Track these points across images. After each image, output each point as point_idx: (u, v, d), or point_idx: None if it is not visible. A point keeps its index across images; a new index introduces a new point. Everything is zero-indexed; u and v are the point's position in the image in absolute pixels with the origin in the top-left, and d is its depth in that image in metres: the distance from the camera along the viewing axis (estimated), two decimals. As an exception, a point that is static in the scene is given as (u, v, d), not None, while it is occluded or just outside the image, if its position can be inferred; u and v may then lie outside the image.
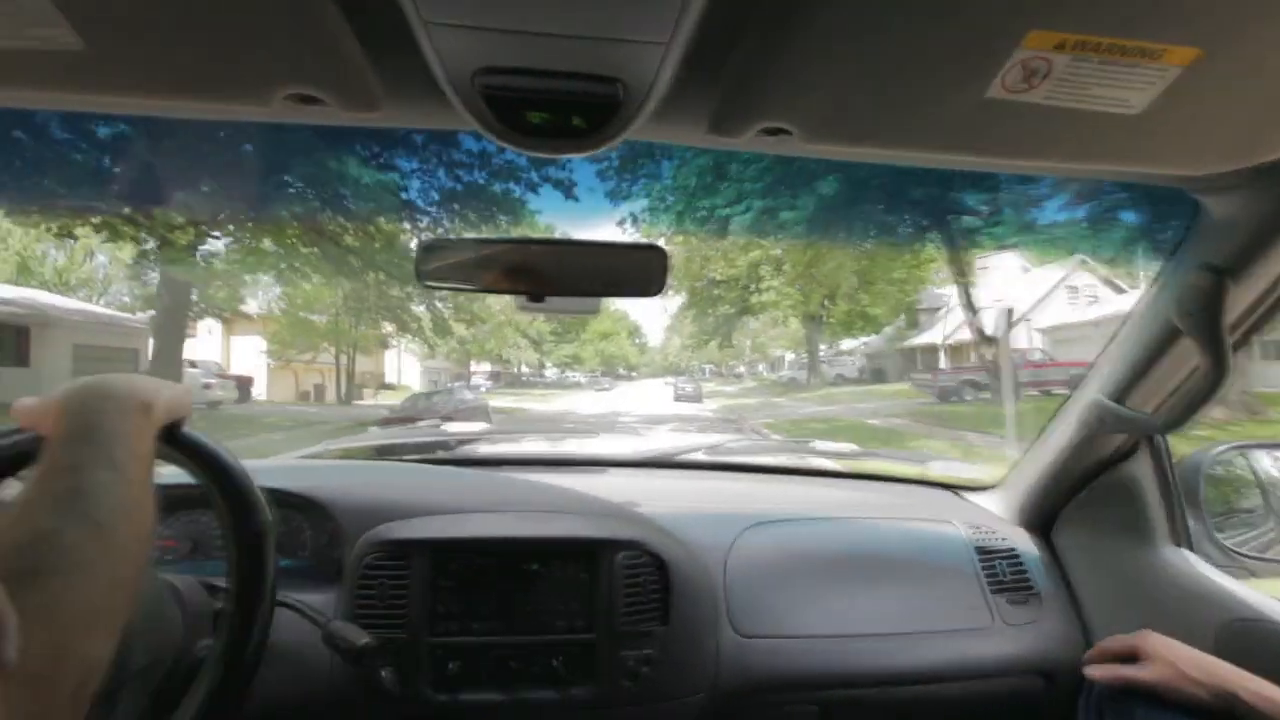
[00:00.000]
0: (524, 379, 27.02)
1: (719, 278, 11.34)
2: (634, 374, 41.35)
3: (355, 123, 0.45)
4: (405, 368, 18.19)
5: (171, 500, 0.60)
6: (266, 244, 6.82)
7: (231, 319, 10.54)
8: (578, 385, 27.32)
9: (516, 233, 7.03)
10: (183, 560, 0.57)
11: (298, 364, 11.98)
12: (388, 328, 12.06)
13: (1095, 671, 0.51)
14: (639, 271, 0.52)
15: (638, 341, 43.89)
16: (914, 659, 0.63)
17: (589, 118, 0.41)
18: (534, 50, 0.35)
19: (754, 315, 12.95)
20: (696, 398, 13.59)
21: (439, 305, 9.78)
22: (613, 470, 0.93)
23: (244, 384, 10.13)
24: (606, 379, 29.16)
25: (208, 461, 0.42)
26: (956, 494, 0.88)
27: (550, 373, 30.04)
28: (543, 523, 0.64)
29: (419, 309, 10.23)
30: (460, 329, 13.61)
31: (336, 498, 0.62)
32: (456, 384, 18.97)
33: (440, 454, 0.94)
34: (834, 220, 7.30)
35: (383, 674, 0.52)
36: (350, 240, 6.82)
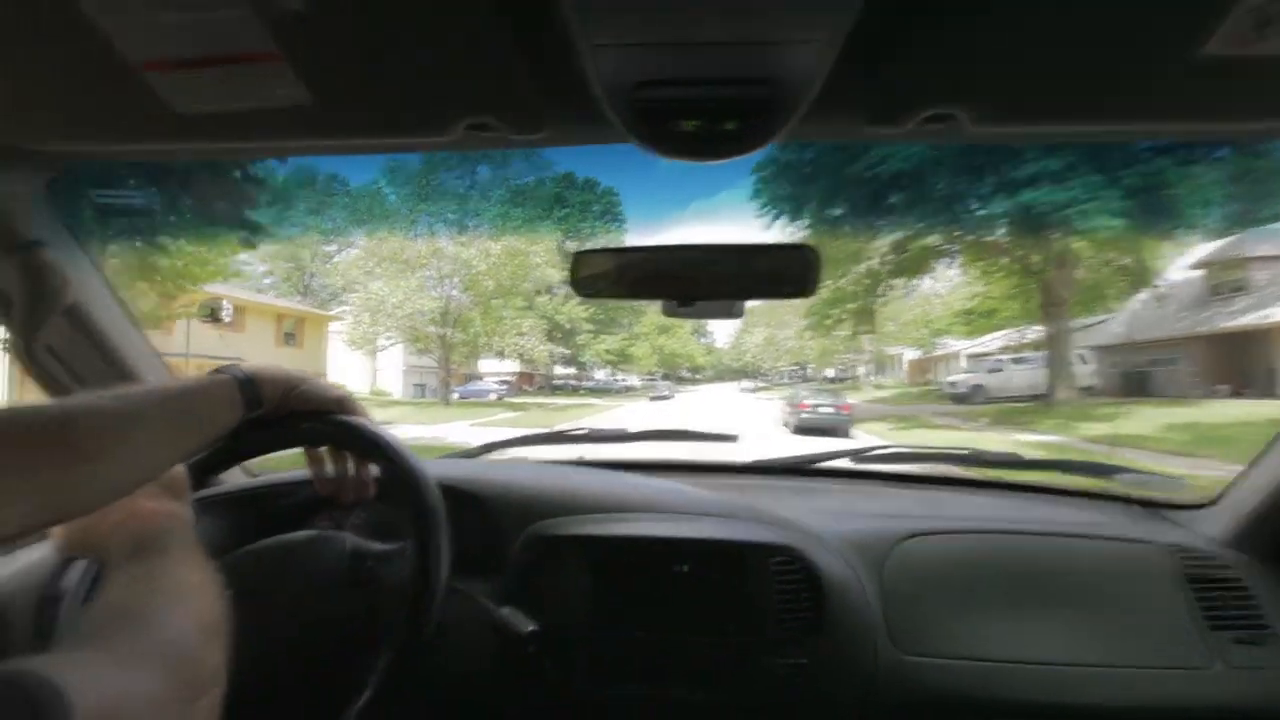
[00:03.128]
0: (557, 382, 27.14)
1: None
2: (698, 377, 41.66)
3: (521, 146, 0.65)
4: (380, 367, 17.55)
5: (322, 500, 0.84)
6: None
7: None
8: (629, 391, 27.26)
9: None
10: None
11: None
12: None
13: None
14: (790, 271, 0.67)
15: (703, 339, 43.56)
16: (1107, 695, 0.71)
17: (742, 122, 0.55)
18: (691, 60, 0.49)
19: (913, 277, 11.73)
20: (840, 426, 9.11)
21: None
22: (752, 476, 1.11)
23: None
24: (665, 383, 28.98)
25: (377, 446, 0.57)
26: (1156, 512, 0.94)
27: (600, 375, 30.03)
28: (694, 525, 0.79)
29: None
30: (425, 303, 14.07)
31: (495, 493, 0.82)
32: (474, 384, 19.69)
33: (581, 455, 1.15)
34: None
35: (542, 661, 0.69)
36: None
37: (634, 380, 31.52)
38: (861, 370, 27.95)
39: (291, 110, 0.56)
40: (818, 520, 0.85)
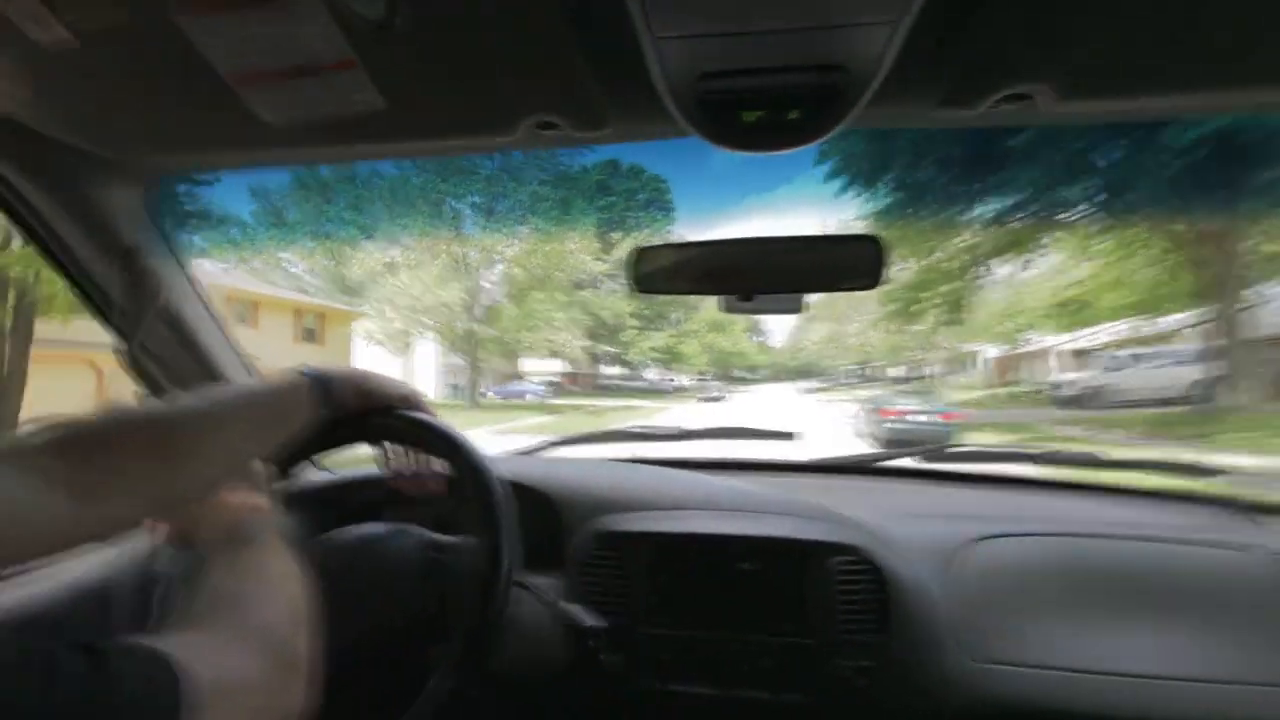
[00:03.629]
0: (605, 382, 27.26)
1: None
2: (753, 377, 41.28)
3: (583, 143, 0.69)
4: (417, 366, 17.80)
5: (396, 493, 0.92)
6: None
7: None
8: (680, 392, 26.91)
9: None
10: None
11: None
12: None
13: None
14: (859, 262, 0.68)
15: (757, 338, 43.19)
16: (1201, 712, 0.68)
17: (806, 110, 0.56)
18: (754, 49, 0.51)
19: (1020, 254, 9.76)
20: (940, 439, 6.19)
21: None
22: (813, 475, 1.13)
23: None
24: (717, 384, 28.67)
25: (444, 440, 0.61)
26: (1260, 515, 0.91)
27: (651, 375, 29.92)
28: (755, 523, 0.81)
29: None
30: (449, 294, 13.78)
31: (557, 489, 0.87)
32: (514, 384, 20.09)
33: (636, 454, 1.20)
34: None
35: (604, 656, 0.72)
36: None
37: (685, 381, 31.23)
38: (930, 370, 26.72)
39: (367, 116, 0.61)
40: (883, 520, 0.85)
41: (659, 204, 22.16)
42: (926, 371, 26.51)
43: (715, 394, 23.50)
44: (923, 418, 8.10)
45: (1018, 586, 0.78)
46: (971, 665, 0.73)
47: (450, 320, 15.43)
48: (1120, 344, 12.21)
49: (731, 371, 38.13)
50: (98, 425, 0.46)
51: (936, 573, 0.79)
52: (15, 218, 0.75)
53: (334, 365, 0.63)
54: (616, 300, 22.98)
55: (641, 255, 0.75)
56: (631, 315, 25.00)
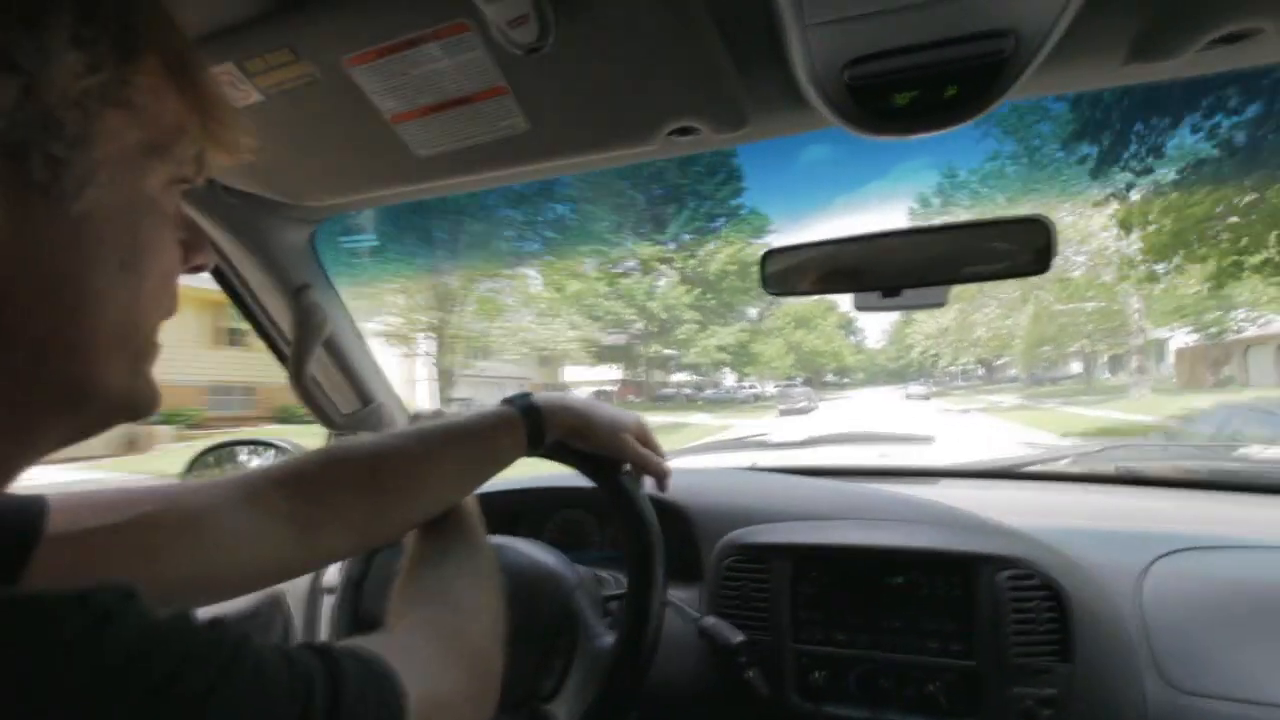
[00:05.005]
0: (668, 391, 25.30)
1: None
2: (847, 381, 40.12)
3: (721, 145, 0.76)
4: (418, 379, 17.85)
5: (554, 499, 1.05)
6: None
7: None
8: (758, 401, 24.92)
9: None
10: (569, 551, 0.83)
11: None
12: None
13: None
14: (1016, 248, 0.71)
15: (852, 337, 41.52)
16: None
17: (965, 84, 0.55)
18: (909, 25, 0.50)
19: None
20: None
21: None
22: (959, 481, 1.15)
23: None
24: (803, 389, 26.33)
25: (639, 519, 0.66)
26: None
27: (729, 381, 27.56)
28: (906, 533, 0.84)
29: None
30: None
31: (690, 500, 0.94)
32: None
33: (768, 462, 1.27)
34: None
35: (749, 674, 0.75)
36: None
37: (768, 387, 28.84)
38: (1076, 368, 23.72)
39: (512, 138, 0.71)
40: (1049, 531, 0.86)
41: (727, 170, 21.47)
42: (1074, 369, 23.76)
43: (800, 403, 21.36)
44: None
45: (1222, 605, 0.77)
46: (1176, 699, 0.72)
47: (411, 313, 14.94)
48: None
49: (823, 375, 36.55)
50: (317, 459, 0.55)
51: (1122, 590, 0.79)
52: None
53: (550, 395, 0.68)
54: (671, 288, 21.73)
55: (770, 257, 0.80)
56: (689, 307, 23.29)
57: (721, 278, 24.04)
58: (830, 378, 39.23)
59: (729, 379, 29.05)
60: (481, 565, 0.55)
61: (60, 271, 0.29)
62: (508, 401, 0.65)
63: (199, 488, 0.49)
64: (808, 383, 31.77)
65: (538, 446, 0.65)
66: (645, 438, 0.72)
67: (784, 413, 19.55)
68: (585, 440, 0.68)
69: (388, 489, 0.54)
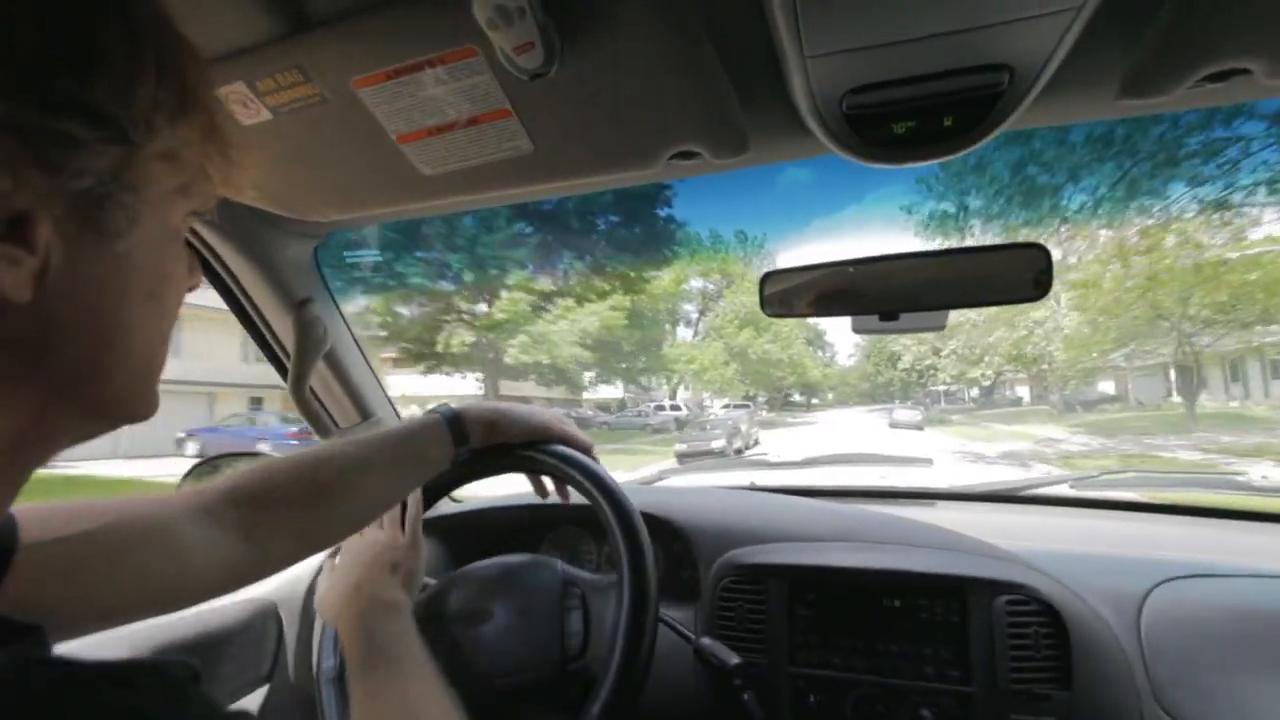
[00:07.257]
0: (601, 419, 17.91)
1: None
2: (814, 402, 38.69)
3: (721, 169, 0.77)
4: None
5: (550, 516, 1.05)
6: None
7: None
8: (678, 429, 18.31)
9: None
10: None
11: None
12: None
13: None
14: (1013, 274, 0.72)
15: (821, 354, 39.15)
16: None
17: (962, 115, 0.57)
18: (907, 57, 0.52)
19: None
20: None
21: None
22: (957, 504, 1.15)
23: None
24: (737, 412, 19.40)
25: (597, 482, 0.69)
26: None
27: (714, 407, 20.50)
28: (902, 556, 0.85)
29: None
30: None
31: (687, 520, 0.95)
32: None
33: (753, 481, 1.27)
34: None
35: (745, 696, 0.74)
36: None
37: (717, 407, 21.61)
38: (1107, 387, 20.25)
39: (516, 160, 0.72)
40: (1048, 556, 0.86)
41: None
42: (1105, 389, 20.73)
43: (715, 440, 13.14)
44: None
45: (1224, 634, 0.77)
46: None
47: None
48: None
49: (786, 393, 31.10)
50: (261, 471, 0.57)
51: (1120, 617, 0.79)
52: (210, 274, 0.96)
53: (471, 402, 0.73)
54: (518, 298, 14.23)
55: (769, 279, 0.82)
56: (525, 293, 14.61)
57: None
58: (797, 396, 36.06)
59: (673, 400, 21.71)
60: (421, 682, 0.55)
61: (99, 303, 0.31)
62: (432, 410, 0.71)
63: (155, 500, 0.51)
64: (747, 402, 23.93)
65: (463, 445, 0.70)
66: (562, 424, 0.77)
67: (683, 458, 12.30)
68: (505, 433, 0.73)
69: (330, 494, 0.58)
